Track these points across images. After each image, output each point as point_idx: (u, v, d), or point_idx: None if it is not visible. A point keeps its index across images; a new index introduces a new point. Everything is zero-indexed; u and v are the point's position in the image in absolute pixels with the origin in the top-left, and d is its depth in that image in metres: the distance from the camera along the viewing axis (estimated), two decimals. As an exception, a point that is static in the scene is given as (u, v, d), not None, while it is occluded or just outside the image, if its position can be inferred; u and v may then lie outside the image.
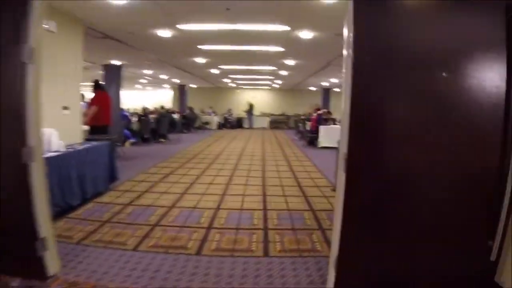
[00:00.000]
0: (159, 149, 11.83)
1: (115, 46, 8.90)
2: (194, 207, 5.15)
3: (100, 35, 7.62)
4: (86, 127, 8.22)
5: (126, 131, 12.63)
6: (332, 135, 12.45)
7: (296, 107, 24.89)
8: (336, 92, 23.22)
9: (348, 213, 2.53)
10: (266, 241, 3.94)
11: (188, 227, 4.34)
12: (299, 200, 5.71)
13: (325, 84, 19.54)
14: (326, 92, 21.89)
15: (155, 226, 4.33)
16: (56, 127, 5.30)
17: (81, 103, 13.68)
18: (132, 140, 12.56)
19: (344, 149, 2.48)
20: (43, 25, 5.46)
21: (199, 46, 8.94)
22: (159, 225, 4.38)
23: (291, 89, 24.88)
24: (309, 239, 4.01)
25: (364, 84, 2.40)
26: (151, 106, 25.18)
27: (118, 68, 12.28)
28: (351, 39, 2.41)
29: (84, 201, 5.23)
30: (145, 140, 13.08)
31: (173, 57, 10.77)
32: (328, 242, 3.88)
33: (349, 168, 2.45)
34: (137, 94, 29.35)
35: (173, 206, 5.18)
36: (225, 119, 23.16)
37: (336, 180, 2.73)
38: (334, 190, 6.32)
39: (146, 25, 6.98)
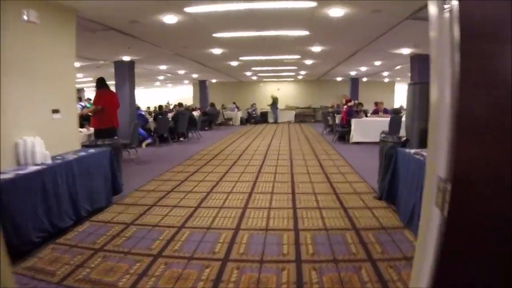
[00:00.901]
0: (176, 149, 10.99)
1: (122, 40, 8.04)
2: (209, 228, 4.19)
3: (100, 27, 6.73)
4: (87, 131, 7.44)
5: (141, 131, 11.87)
6: (365, 129, 11.34)
7: (323, 99, 23.61)
8: (365, 82, 21.85)
9: (445, 270, 1.46)
10: (299, 281, 2.93)
11: (198, 258, 3.37)
12: (337, 213, 4.65)
13: (353, 73, 18.21)
14: (355, 82, 20.56)
15: (157, 257, 3.39)
16: (45, 134, 4.46)
17: (78, 104, 13.23)
18: (148, 141, 11.80)
19: (440, 172, 1.42)
20: (23, 16, 4.73)
21: (213, 35, 7.94)
22: (163, 255, 3.44)
23: (316, 80, 23.62)
24: (358, 277, 2.97)
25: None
26: (171, 103, 24.71)
27: (130, 64, 11.51)
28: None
29: (79, 220, 4.38)
30: (163, 140, 12.28)
31: (185, 48, 9.81)
32: (383, 283, 2.83)
33: (456, 203, 1.38)
34: (157, 92, 28.74)
35: (183, 226, 4.23)
36: (249, 114, 22.17)
37: (421, 216, 1.69)
38: (378, 198, 5.29)
39: (148, 11, 6.04)
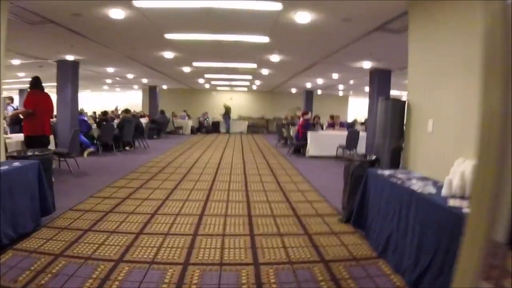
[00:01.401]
0: (121, 160, 10.01)
1: (64, 36, 7.11)
2: (152, 261, 3.44)
3: (38, 18, 5.79)
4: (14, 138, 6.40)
5: (83, 139, 10.77)
6: (322, 143, 11.02)
7: (276, 110, 23.38)
8: (319, 95, 21.84)
9: None
10: None
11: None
12: (301, 241, 4.08)
13: (309, 85, 18.03)
14: (309, 95, 20.41)
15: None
16: None
17: (10, 106, 11.92)
18: (91, 149, 10.70)
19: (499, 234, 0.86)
20: None
21: (165, 35, 7.19)
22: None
23: (270, 91, 23.33)
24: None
25: None
26: (120, 108, 23.34)
27: (73, 64, 10.45)
28: None
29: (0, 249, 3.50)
30: (107, 149, 11.22)
31: (134, 49, 8.97)
32: None
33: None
34: (105, 96, 27.17)
35: (121, 259, 3.44)
36: (200, 123, 21.35)
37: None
38: (343, 221, 4.80)
39: (92, 3, 5.21)
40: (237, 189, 6.61)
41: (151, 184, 6.86)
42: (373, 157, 4.82)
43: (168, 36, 7.22)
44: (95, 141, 10.96)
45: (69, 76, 10.42)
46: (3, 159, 4.51)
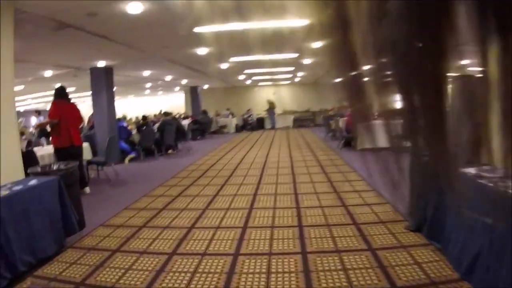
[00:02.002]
0: (162, 164, 9.69)
1: (88, 41, 6.76)
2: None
3: (53, 23, 5.42)
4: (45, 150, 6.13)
5: (124, 145, 10.59)
6: (376, 132, 9.98)
7: (322, 101, 22.33)
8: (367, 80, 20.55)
9: None
10: None
11: None
12: (363, 259, 3.34)
13: (355, 72, 16.93)
14: (356, 82, 19.27)
15: None
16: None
17: (37, 119, 11.94)
18: (132, 155, 10.50)
19: None
20: None
21: (194, 30, 6.64)
22: None
23: (314, 82, 22.34)
24: None
25: None
26: (163, 112, 23.44)
27: (107, 71, 10.26)
28: None
29: (17, 276, 3.15)
30: (149, 154, 10.98)
31: (165, 48, 8.50)
32: None
33: None
34: (148, 100, 27.50)
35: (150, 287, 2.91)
36: (244, 120, 20.84)
37: None
38: (410, 229, 4.00)
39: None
40: (285, 192, 5.92)
41: (191, 190, 6.35)
42: (447, 151, 3.96)
43: (197, 29, 6.66)
44: (136, 147, 10.76)
45: (103, 83, 10.26)
46: (21, 176, 4.14)
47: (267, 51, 9.61)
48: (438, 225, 3.63)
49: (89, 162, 7.67)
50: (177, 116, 20.47)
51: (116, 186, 7.18)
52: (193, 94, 20.95)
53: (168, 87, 21.42)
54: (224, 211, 5.02)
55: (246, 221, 4.58)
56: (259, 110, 22.01)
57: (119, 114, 17.27)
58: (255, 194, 5.89)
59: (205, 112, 18.17)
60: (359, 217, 4.54)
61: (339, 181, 6.58)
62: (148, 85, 18.22)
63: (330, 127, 13.58)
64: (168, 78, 15.27)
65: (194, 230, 4.32)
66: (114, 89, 17.91)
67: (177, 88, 22.61)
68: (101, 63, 9.79)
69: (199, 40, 7.56)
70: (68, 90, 6.27)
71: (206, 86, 21.97)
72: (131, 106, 26.19)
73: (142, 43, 7.89)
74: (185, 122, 16.61)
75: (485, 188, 2.83)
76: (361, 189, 5.95)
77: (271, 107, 20.74)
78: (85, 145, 7.42)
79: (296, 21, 6.45)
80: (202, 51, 8.90)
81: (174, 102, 26.51)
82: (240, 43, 8.32)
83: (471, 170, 3.34)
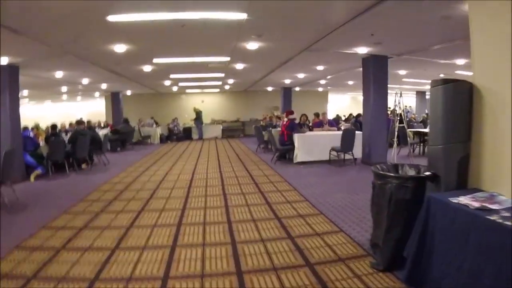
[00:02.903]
0: (72, 183, 8.04)
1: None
2: None
3: None
4: None
5: (29, 159, 8.78)
6: (311, 146, 9.34)
7: (252, 111, 21.61)
8: (297, 92, 20.22)
9: None
10: None
11: None
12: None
13: (288, 81, 16.34)
14: (287, 92, 18.82)
15: None
16: None
17: None
18: (38, 171, 8.69)
19: None
20: None
21: (108, 18, 5.30)
22: None
23: (244, 91, 21.55)
24: None
25: None
26: (85, 119, 21.03)
27: (11, 70, 8.41)
28: None
29: None
30: (59, 168, 9.20)
31: (75, 42, 6.96)
32: None
33: None
34: (66, 106, 24.73)
35: None
36: (170, 130, 19.29)
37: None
38: (379, 268, 3.14)
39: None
40: (216, 221, 4.78)
41: (101, 220, 4.95)
42: (427, 173, 3.13)
43: (112, 18, 5.33)
44: (44, 161, 8.96)
45: (5, 84, 8.36)
46: None
47: (196, 51, 8.46)
48: (420, 268, 2.78)
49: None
50: (95, 125, 18.42)
51: (12, 212, 5.53)
52: (114, 100, 19.00)
53: (87, 92, 19.13)
54: (138, 252, 3.76)
55: (168, 266, 3.38)
56: (186, 119, 20.63)
57: (33, 121, 15.03)
58: (179, 224, 4.68)
59: (126, 121, 16.36)
60: (311, 254, 3.57)
61: (279, 202, 5.61)
62: (65, 89, 15.95)
63: (262, 138, 12.73)
64: (85, 81, 13.36)
65: (97, 284, 3.04)
66: (22, 92, 15.76)
67: (98, 94, 20.38)
68: (4, 60, 7.92)
69: (115, 33, 6.22)
70: None
71: (129, 92, 20.09)
72: (48, 113, 23.38)
73: (48, 35, 6.33)
74: (104, 132, 14.77)
75: (494, 225, 2.01)
76: (306, 212, 5.03)
77: (199, 116, 19.46)
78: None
79: (232, 14, 5.39)
80: (119, 48, 7.49)
81: (95, 109, 24.13)
82: (165, 39, 7.11)
83: (468, 200, 2.53)
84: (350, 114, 19.75)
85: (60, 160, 9.15)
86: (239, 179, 7.61)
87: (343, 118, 18.81)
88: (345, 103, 27.38)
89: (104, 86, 15.77)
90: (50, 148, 9.00)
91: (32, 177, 8.50)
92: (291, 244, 3.85)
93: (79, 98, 22.90)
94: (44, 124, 14.37)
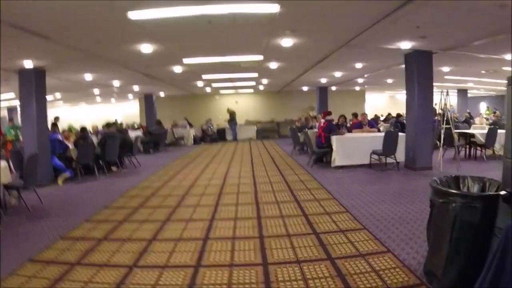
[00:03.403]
0: (99, 187, 7.90)
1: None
2: None
3: None
4: None
5: (57, 162, 8.72)
6: (350, 149, 8.74)
7: (287, 112, 21.07)
8: (334, 91, 19.49)
9: None
10: None
11: None
12: None
13: (324, 80, 15.67)
14: (323, 92, 18.15)
15: None
16: None
17: None
18: (66, 174, 8.62)
19: None
20: None
21: (129, 16, 4.98)
22: None
23: (279, 91, 21.03)
24: None
25: None
26: (120, 121, 21.29)
27: (37, 73, 8.51)
28: None
29: None
30: (89, 172, 9.11)
31: (99, 44, 6.72)
32: None
33: None
34: (101, 109, 25.19)
35: None
36: (203, 131, 19.11)
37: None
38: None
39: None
40: (247, 236, 4.34)
41: (122, 231, 4.62)
42: (503, 192, 2.53)
43: (133, 15, 5.00)
44: (73, 164, 8.89)
45: (32, 88, 8.41)
46: None
47: (227, 50, 8.06)
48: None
49: (7, 187, 5.93)
50: (128, 127, 18.51)
51: (33, 219, 5.36)
52: (147, 102, 19.06)
53: (120, 94, 19.29)
54: (159, 271, 3.37)
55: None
56: (220, 120, 20.39)
57: (67, 123, 15.23)
58: (205, 238, 4.26)
59: (159, 123, 16.28)
60: (354, 281, 3.03)
61: (317, 214, 5.09)
62: (97, 91, 16.07)
63: (298, 140, 12.19)
64: (117, 83, 13.34)
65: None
66: (54, 95, 16.04)
67: (131, 96, 20.52)
68: (27, 63, 7.89)
69: (138, 31, 5.90)
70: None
71: (162, 94, 20.08)
72: (83, 115, 23.92)
73: (70, 37, 6.13)
74: (137, 134, 14.73)
75: None
76: (347, 226, 4.48)
77: (233, 117, 19.17)
78: (2, 164, 5.79)
79: (263, 6, 4.92)
80: (145, 48, 7.21)
81: (129, 111, 24.45)
82: (192, 38, 6.74)
83: None
84: (389, 114, 18.81)
85: (90, 163, 9.05)
86: (273, 185, 7.13)
87: (382, 118, 17.94)
88: (382, 102, 26.30)
89: (136, 88, 15.73)
90: (79, 151, 8.90)
91: (60, 181, 8.44)
92: (331, 267, 3.34)
93: (113, 100, 23.21)
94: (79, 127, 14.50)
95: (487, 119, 14.40)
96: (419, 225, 4.46)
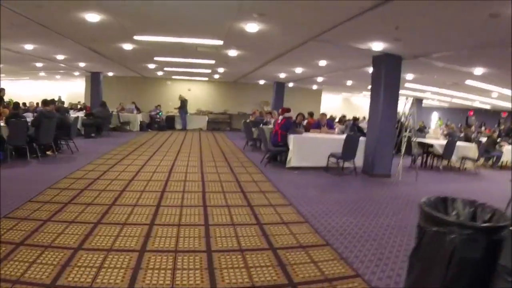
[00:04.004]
0: (29, 174, 6.83)
1: None
2: None
3: None
4: None
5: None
6: (307, 149, 8.27)
7: (241, 104, 20.41)
8: (290, 88, 19.11)
9: None
10: None
11: None
12: None
13: (283, 75, 15.15)
14: (280, 87, 17.69)
15: None
16: None
17: None
18: (-5, 158, 7.45)
19: None
20: None
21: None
22: None
23: (234, 82, 20.28)
24: None
25: None
26: (64, 100, 19.55)
27: None
28: None
29: None
30: (21, 154, 7.94)
31: (40, 7, 5.69)
32: None
33: None
34: (46, 85, 23.10)
35: None
36: (151, 118, 17.96)
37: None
38: None
39: None
40: (191, 249, 3.64)
41: (45, 233, 3.73)
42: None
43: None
44: (4, 145, 7.70)
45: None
46: None
47: (184, 30, 7.24)
48: None
49: None
50: (69, 107, 16.99)
51: None
52: (94, 81, 17.55)
53: (66, 71, 17.54)
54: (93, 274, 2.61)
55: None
56: (170, 107, 19.31)
57: (9, 97, 13.43)
58: (142, 250, 3.51)
59: (103, 104, 14.89)
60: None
61: (273, 223, 4.50)
62: (39, 65, 14.38)
63: (251, 135, 11.60)
64: (60, 57, 11.94)
65: None
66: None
67: (77, 73, 18.78)
68: None
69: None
70: None
71: (111, 74, 18.62)
72: (25, 91, 21.79)
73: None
74: (78, 115, 13.40)
75: None
76: (309, 241, 3.93)
77: (184, 105, 18.17)
78: None
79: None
80: (92, 17, 6.23)
81: (75, 90, 22.59)
82: (148, 11, 5.87)
83: None
84: (344, 116, 18.79)
85: (22, 144, 7.91)
86: (224, 185, 6.46)
87: (336, 120, 17.83)
88: (337, 104, 26.41)
89: (82, 64, 14.34)
90: (10, 130, 7.71)
91: None
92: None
93: (58, 77, 21.33)
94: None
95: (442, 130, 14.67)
96: (386, 242, 4.03)
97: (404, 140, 7.99)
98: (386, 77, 7.91)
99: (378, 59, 8.01)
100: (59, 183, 6.04)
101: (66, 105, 17.59)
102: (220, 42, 8.10)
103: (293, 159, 8.21)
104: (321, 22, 5.80)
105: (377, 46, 7.08)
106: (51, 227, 3.93)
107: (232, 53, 9.58)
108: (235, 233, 4.07)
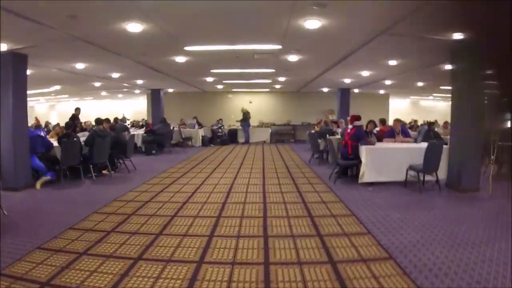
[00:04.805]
0: (79, 196, 6.62)
1: None
2: None
3: None
4: None
5: (37, 163, 7.54)
6: (382, 162, 7.19)
7: (304, 114, 19.51)
8: (356, 94, 17.86)
9: None
10: None
11: None
12: None
13: (348, 81, 14.04)
14: (345, 94, 16.55)
15: None
16: None
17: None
18: (46, 178, 7.42)
19: None
20: None
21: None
22: None
23: (297, 92, 19.48)
24: None
25: None
26: (129, 118, 20.02)
27: (15, 58, 7.15)
28: None
29: None
30: (75, 174, 7.86)
31: (70, 17, 5.31)
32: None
33: None
34: (109, 104, 24.04)
35: None
36: (213, 132, 17.68)
37: None
38: None
39: None
40: (247, 279, 2.86)
41: (76, 271, 3.18)
42: None
43: None
44: (57, 165, 7.70)
45: (9, 75, 7.09)
46: None
47: (237, 35, 6.61)
48: None
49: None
50: (131, 124, 17.29)
51: None
52: (155, 98, 17.73)
53: (127, 89, 17.95)
54: None
55: None
56: (232, 120, 18.94)
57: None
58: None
59: (163, 121, 14.84)
60: None
61: (350, 260, 3.56)
62: (97, 84, 14.76)
63: (317, 147, 10.64)
64: (115, 75, 11.99)
65: None
66: (53, 87, 14.83)
67: (138, 91, 19.20)
68: (3, 46, 6.59)
69: (124, 8, 4.49)
70: None
71: (171, 90, 18.74)
72: (91, 111, 22.81)
73: (41, 12, 4.77)
74: (137, 133, 13.40)
75: None
76: (394, 286, 2.96)
77: (246, 117, 17.70)
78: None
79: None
80: (133, 27, 5.79)
81: (139, 107, 23.26)
82: (191, 17, 5.29)
83: None
84: (415, 121, 17.17)
85: (75, 164, 7.79)
86: (288, 208, 5.61)
87: (408, 126, 16.25)
88: (404, 108, 24.44)
89: (139, 81, 14.38)
90: (62, 150, 7.60)
91: (38, 184, 7.32)
92: None
93: (120, 95, 22.05)
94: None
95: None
96: (493, 285, 2.93)
97: (497, 144, 6.63)
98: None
99: (457, 50, 6.73)
100: (107, 206, 5.62)
101: (129, 122, 17.90)
102: (279, 47, 7.34)
103: (367, 173, 7.15)
104: (392, 11, 4.81)
105: (457, 34, 5.87)
106: (85, 262, 3.36)
107: (292, 58, 8.75)
108: (301, 275, 3.21)
